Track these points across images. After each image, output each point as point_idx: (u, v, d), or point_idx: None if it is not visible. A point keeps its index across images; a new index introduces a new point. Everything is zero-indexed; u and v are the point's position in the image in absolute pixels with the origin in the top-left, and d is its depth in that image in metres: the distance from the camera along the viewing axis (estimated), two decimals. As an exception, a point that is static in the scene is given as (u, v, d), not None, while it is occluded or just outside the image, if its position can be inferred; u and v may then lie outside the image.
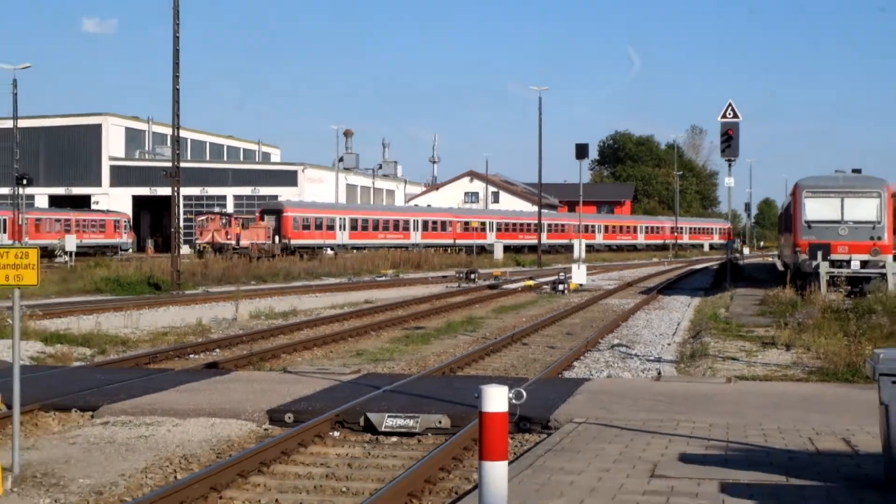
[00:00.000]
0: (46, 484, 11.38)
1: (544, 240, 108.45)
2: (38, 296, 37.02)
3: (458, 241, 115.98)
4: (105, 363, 21.76)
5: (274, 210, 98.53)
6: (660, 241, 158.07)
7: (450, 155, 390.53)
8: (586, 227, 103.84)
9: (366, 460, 13.03)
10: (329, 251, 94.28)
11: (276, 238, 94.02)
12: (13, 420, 11.94)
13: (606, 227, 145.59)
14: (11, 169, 66.27)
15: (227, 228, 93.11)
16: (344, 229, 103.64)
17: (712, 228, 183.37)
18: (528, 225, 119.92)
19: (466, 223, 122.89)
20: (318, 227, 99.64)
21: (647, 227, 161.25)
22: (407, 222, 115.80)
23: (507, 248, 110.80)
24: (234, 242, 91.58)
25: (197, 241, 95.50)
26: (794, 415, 14.28)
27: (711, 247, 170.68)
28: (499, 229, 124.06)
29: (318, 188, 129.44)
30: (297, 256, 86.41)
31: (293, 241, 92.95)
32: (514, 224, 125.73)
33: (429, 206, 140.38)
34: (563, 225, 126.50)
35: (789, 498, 9.46)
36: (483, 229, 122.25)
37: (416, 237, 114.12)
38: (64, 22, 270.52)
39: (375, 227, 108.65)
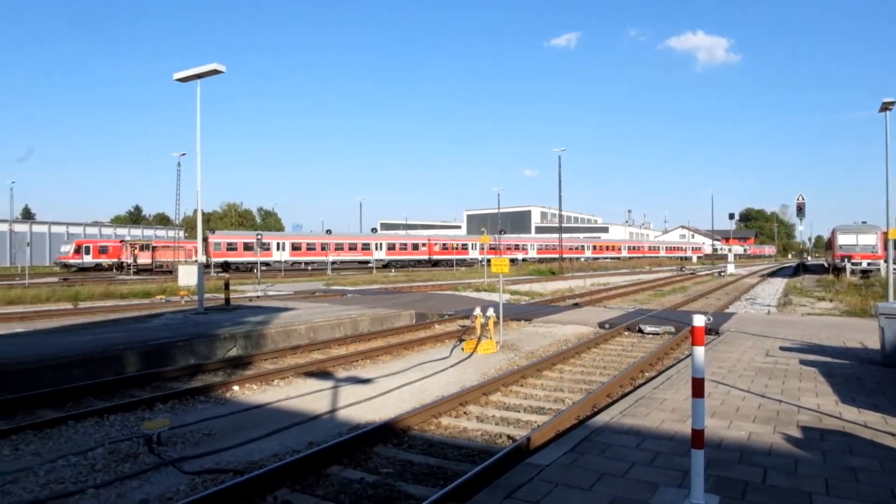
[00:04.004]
0: (511, 349, 11.79)
1: (708, 252, 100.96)
2: (508, 276, 37.94)
3: (678, 255, 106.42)
4: (532, 302, 22.04)
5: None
6: (767, 255, 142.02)
7: (673, 216, 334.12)
8: (730, 248, 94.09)
9: (639, 343, 12.56)
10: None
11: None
12: (499, 324, 12.43)
13: (741, 248, 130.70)
14: (497, 228, 67.51)
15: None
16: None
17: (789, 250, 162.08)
18: (702, 247, 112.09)
19: (683, 248, 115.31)
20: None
21: (760, 249, 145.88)
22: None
23: (698, 258, 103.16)
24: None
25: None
26: (834, 331, 12.49)
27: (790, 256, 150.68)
28: (696, 249, 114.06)
29: (615, 234, 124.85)
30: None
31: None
32: (699, 247, 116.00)
33: (663, 240, 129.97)
34: (724, 248, 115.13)
35: (834, 365, 8.43)
36: (687, 249, 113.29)
37: (663, 251, 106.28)
38: (511, 169, 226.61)
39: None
